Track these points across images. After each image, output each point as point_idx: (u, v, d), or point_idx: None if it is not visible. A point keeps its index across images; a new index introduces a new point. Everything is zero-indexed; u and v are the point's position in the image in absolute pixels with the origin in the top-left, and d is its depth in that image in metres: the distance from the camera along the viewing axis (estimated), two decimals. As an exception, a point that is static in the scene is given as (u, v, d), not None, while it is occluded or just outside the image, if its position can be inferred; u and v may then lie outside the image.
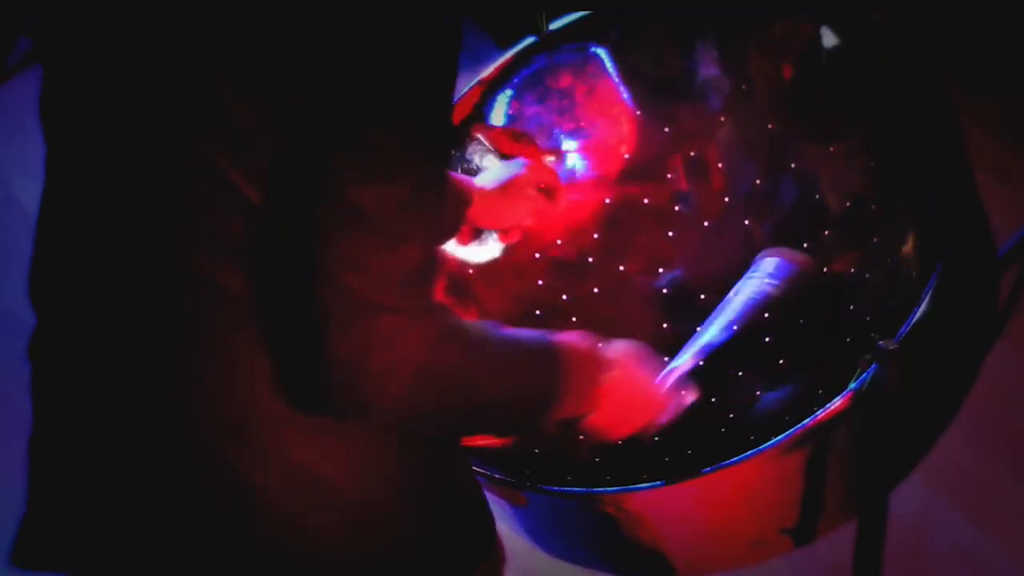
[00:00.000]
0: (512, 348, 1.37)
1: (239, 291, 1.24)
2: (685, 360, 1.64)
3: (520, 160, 1.89)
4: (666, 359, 1.64)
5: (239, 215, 1.22)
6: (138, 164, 1.26)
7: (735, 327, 1.69)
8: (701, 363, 1.64)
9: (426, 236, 1.24)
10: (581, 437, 1.51)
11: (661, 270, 1.98)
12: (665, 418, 1.55)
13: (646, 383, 1.53)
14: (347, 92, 1.17)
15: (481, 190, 1.84)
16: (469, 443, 1.57)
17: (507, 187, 1.86)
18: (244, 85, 1.19)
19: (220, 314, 1.26)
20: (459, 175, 1.87)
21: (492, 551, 1.52)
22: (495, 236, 1.92)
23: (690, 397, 1.58)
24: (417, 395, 1.23)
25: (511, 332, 1.39)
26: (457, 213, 1.80)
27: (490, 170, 1.91)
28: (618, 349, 1.50)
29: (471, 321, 1.35)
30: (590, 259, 1.98)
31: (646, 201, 2.00)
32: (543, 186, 1.89)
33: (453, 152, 1.94)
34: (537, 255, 1.96)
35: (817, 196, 1.90)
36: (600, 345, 1.48)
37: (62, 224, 1.35)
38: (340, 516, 1.32)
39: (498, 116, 1.98)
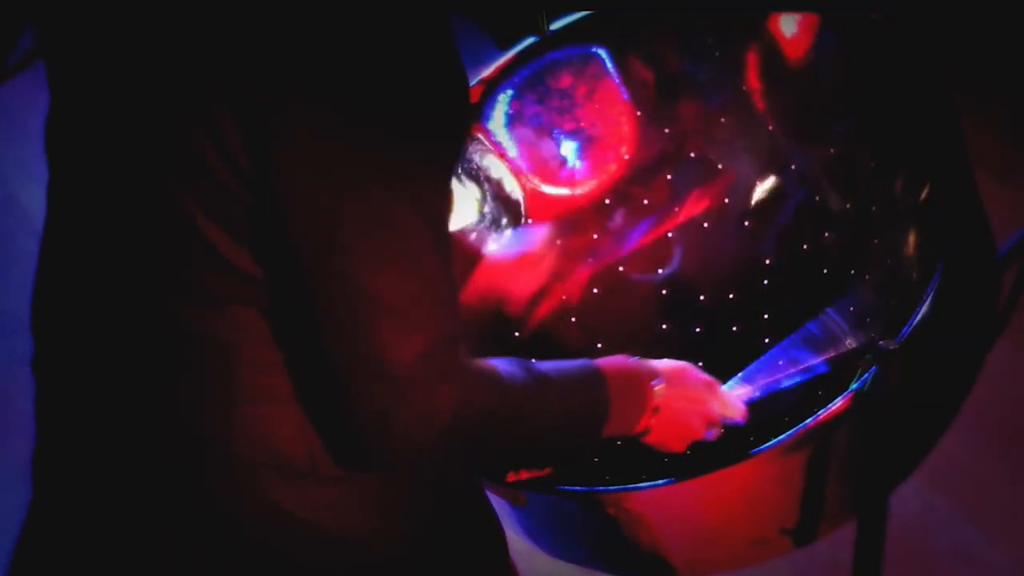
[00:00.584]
0: (550, 383, 1.35)
1: (220, 342, 1.24)
2: (740, 387, 1.63)
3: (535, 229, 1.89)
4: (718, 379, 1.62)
5: (218, 272, 1.21)
6: (125, 200, 1.25)
7: (797, 379, 1.67)
8: (757, 396, 1.63)
9: (447, 308, 1.21)
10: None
11: (661, 270, 1.98)
12: (714, 433, 1.54)
13: (697, 399, 1.51)
14: (349, 145, 1.13)
15: (492, 261, 1.84)
16: (512, 479, 1.56)
17: (516, 259, 1.86)
18: (224, 133, 1.14)
19: (198, 361, 1.26)
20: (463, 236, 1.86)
21: (502, 566, 1.52)
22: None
23: (740, 412, 1.56)
24: (444, 450, 1.24)
25: (549, 366, 1.37)
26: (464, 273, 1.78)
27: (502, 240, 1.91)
28: (665, 367, 1.49)
29: (502, 360, 1.33)
30: (590, 259, 1.99)
31: (646, 201, 2.00)
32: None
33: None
34: (537, 255, 1.96)
35: (817, 196, 1.91)
36: (646, 364, 1.47)
37: (63, 254, 1.35)
38: (322, 556, 1.32)
39: (498, 116, 1.98)
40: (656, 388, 1.45)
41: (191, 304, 1.24)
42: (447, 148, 1.20)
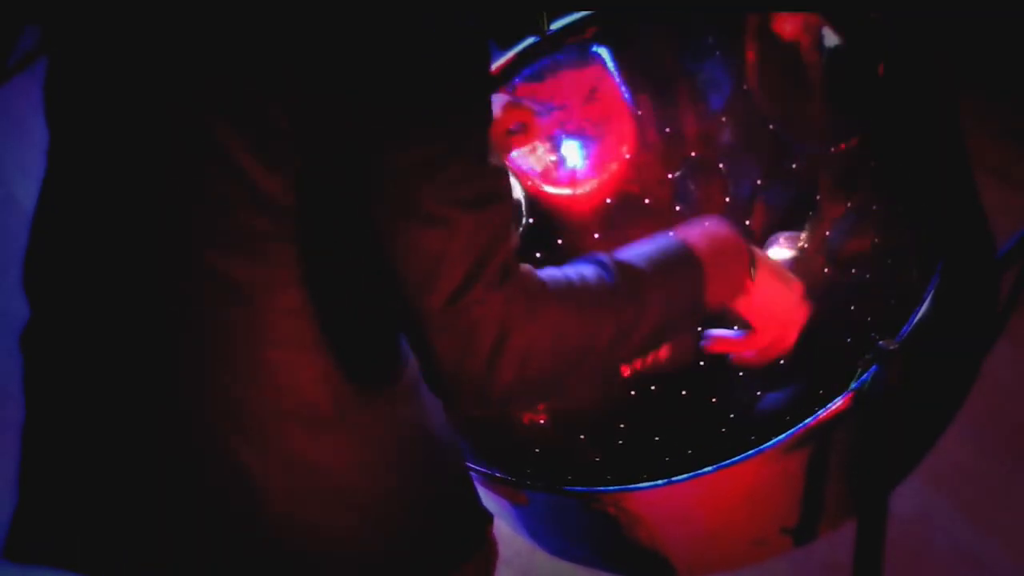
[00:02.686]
0: (637, 273, 1.33)
1: (247, 285, 1.25)
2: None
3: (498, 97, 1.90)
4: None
5: (256, 209, 1.22)
6: (146, 154, 1.25)
7: None
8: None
9: (504, 225, 1.23)
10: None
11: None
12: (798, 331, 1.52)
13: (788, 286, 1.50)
14: (394, 95, 1.17)
15: None
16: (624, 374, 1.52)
17: None
18: (276, 80, 1.18)
19: (223, 308, 1.26)
20: None
21: (483, 540, 1.52)
22: None
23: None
24: (529, 368, 1.24)
25: (634, 254, 1.36)
26: None
27: None
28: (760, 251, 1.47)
29: (577, 268, 1.32)
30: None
31: (646, 201, 2.00)
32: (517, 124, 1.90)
33: None
34: (538, 255, 1.96)
35: (817, 196, 1.91)
36: (733, 232, 1.45)
37: (62, 214, 1.35)
38: (338, 509, 1.32)
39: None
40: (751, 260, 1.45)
41: (218, 246, 1.24)
42: (488, 109, 1.25)
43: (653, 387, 1.87)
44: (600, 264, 1.33)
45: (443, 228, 1.19)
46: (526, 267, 1.27)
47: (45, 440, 1.38)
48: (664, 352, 1.42)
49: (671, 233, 1.40)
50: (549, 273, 1.29)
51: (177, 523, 1.32)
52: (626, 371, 1.52)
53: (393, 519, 1.36)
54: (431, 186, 1.18)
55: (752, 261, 1.45)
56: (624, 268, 1.33)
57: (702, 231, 1.41)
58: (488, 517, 1.50)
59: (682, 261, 1.38)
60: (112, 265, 1.30)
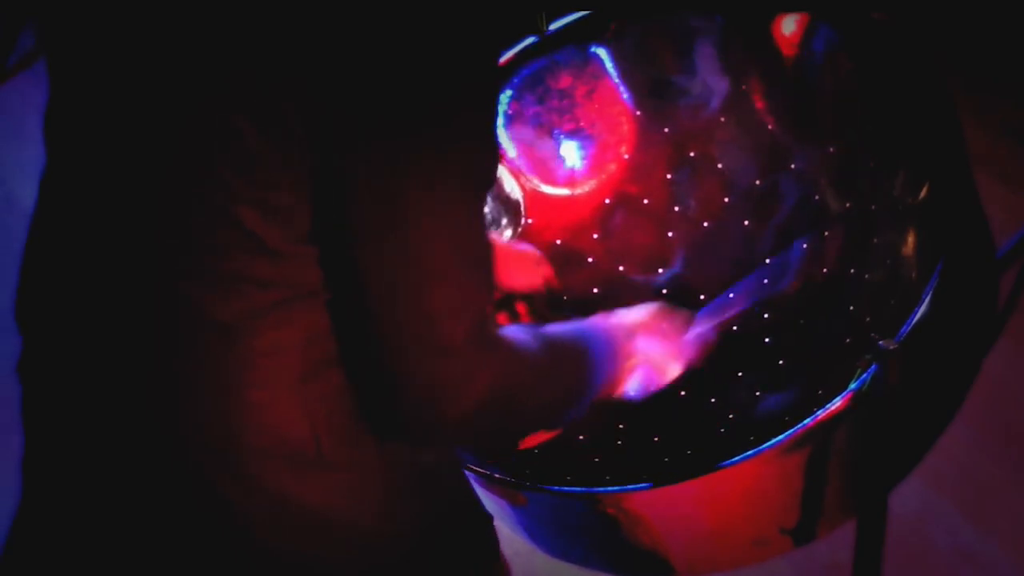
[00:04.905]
0: (558, 349, 1.41)
1: (232, 325, 1.24)
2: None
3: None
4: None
5: (244, 251, 1.22)
6: (140, 187, 1.25)
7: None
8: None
9: (487, 279, 1.28)
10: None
11: (661, 270, 1.98)
12: (693, 362, 1.62)
13: (671, 341, 1.60)
14: (393, 126, 1.17)
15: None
16: (525, 445, 1.61)
17: (519, 252, 1.90)
18: (267, 120, 1.17)
19: (210, 348, 1.25)
20: None
21: (493, 564, 1.52)
22: None
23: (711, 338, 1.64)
24: (481, 416, 1.27)
25: (551, 332, 1.43)
26: None
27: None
28: (636, 316, 1.57)
29: (515, 328, 1.39)
30: (590, 259, 1.98)
31: (646, 201, 2.00)
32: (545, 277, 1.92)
33: None
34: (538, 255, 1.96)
35: (817, 196, 1.91)
36: (620, 315, 1.56)
37: (54, 245, 1.34)
38: (327, 547, 1.32)
39: (498, 116, 1.97)
40: (634, 345, 1.54)
41: (201, 288, 1.24)
42: (493, 133, 1.26)
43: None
44: (534, 337, 1.39)
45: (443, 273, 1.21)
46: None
47: (42, 470, 1.38)
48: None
49: (581, 327, 1.50)
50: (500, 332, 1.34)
51: (168, 551, 1.32)
52: (524, 444, 1.63)
53: (385, 556, 1.36)
54: (440, 212, 1.20)
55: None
56: (553, 345, 1.41)
57: (603, 336, 1.51)
58: (489, 534, 1.50)
59: (592, 347, 1.47)
60: (104, 294, 1.29)
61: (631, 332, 1.55)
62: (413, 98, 1.16)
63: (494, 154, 1.26)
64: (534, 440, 1.59)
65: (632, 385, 1.55)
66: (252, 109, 1.17)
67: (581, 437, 1.82)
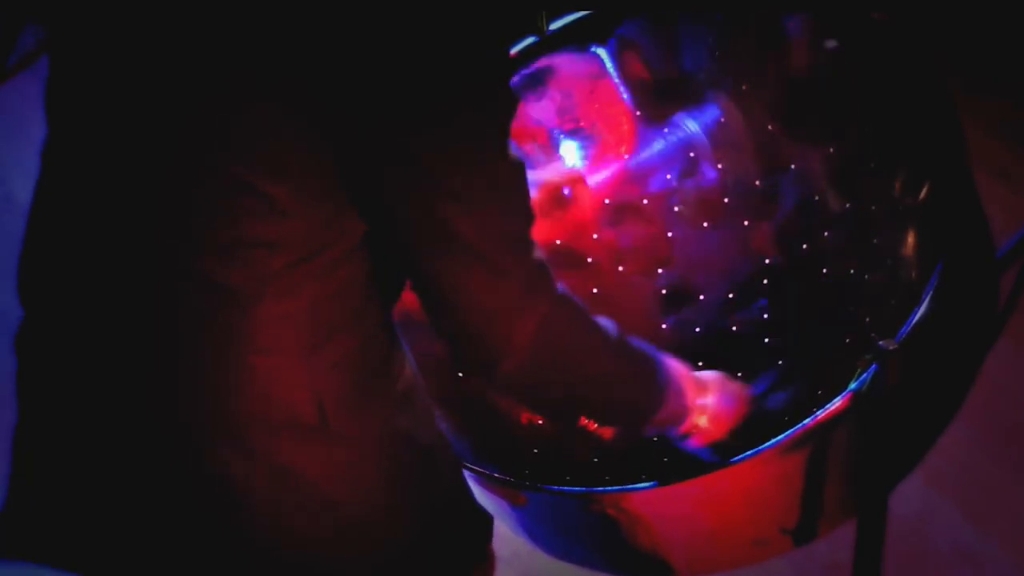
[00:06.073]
0: (626, 344, 1.42)
1: (238, 291, 1.24)
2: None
3: (553, 166, 1.91)
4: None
5: (257, 216, 1.22)
6: (143, 157, 1.25)
7: None
8: None
9: (525, 208, 1.29)
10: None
11: (661, 270, 1.98)
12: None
13: (731, 415, 1.59)
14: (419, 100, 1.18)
15: None
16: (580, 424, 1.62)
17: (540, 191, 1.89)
18: (282, 87, 1.17)
19: (215, 315, 1.25)
20: None
21: (484, 553, 1.52)
22: None
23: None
24: (536, 355, 1.29)
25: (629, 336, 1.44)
26: None
27: None
28: (713, 381, 1.57)
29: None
30: (590, 259, 1.98)
31: (645, 202, 2.00)
32: (570, 186, 1.91)
33: None
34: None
35: (817, 196, 1.90)
36: (698, 377, 1.56)
37: (57, 216, 1.34)
38: (328, 521, 1.32)
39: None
40: (703, 401, 1.54)
41: (208, 253, 1.24)
42: (509, 95, 1.26)
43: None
44: (606, 322, 1.40)
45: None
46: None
47: (35, 441, 1.37)
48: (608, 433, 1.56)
49: (660, 354, 1.50)
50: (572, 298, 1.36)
51: (165, 527, 1.31)
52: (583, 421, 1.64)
53: (383, 532, 1.36)
54: (480, 183, 1.22)
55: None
56: (624, 336, 1.41)
57: (677, 371, 1.51)
58: (486, 530, 1.50)
59: (660, 363, 1.48)
60: (106, 266, 1.29)
61: (703, 385, 1.55)
62: (418, 94, 1.16)
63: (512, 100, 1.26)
64: (596, 427, 1.58)
65: (693, 434, 1.55)
66: (265, 83, 1.17)
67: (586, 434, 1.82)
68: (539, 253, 1.30)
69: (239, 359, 1.26)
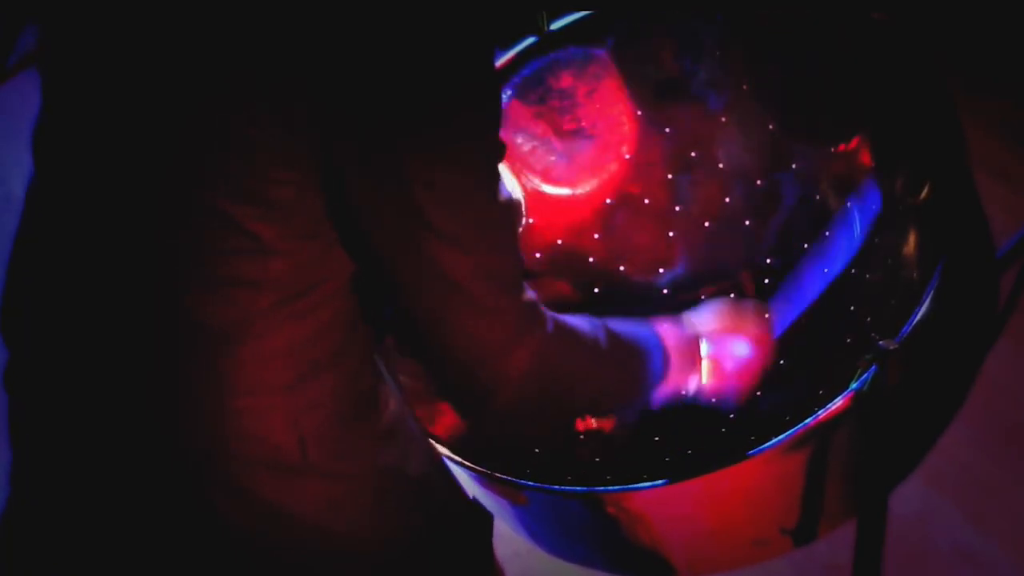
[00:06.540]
0: (616, 348, 1.43)
1: (225, 331, 1.24)
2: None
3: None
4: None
5: (240, 253, 1.21)
6: (138, 190, 1.24)
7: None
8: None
9: (511, 245, 1.29)
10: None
11: (661, 270, 1.98)
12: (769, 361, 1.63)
13: (744, 340, 1.61)
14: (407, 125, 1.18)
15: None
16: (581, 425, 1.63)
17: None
18: (269, 118, 1.17)
19: (196, 354, 1.26)
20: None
21: (486, 565, 1.52)
22: None
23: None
24: (530, 388, 1.29)
25: (612, 325, 1.45)
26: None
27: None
28: (706, 317, 1.58)
29: (575, 317, 1.42)
30: (591, 259, 1.98)
31: (647, 201, 2.00)
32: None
33: None
34: (538, 255, 1.96)
35: (817, 196, 1.90)
36: (689, 318, 1.58)
37: (45, 250, 1.34)
38: (312, 555, 1.33)
39: (498, 116, 1.97)
40: (704, 348, 1.56)
41: (198, 293, 1.24)
42: (497, 138, 1.27)
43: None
44: (595, 326, 1.41)
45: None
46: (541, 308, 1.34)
47: (29, 477, 1.38)
48: (608, 424, 1.57)
49: (648, 323, 1.52)
50: (560, 320, 1.37)
51: (158, 562, 1.32)
52: (580, 426, 1.65)
53: (370, 564, 1.36)
54: (462, 218, 1.22)
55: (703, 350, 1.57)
56: (614, 338, 1.43)
57: (670, 328, 1.54)
58: (486, 529, 1.50)
59: (652, 349, 1.49)
60: (100, 305, 1.29)
61: (697, 338, 1.56)
62: (414, 97, 1.16)
63: (499, 141, 1.26)
64: (590, 422, 1.60)
65: (702, 388, 1.57)
66: (253, 107, 1.17)
67: (582, 437, 1.82)
68: (530, 292, 1.31)
69: (223, 400, 1.26)
